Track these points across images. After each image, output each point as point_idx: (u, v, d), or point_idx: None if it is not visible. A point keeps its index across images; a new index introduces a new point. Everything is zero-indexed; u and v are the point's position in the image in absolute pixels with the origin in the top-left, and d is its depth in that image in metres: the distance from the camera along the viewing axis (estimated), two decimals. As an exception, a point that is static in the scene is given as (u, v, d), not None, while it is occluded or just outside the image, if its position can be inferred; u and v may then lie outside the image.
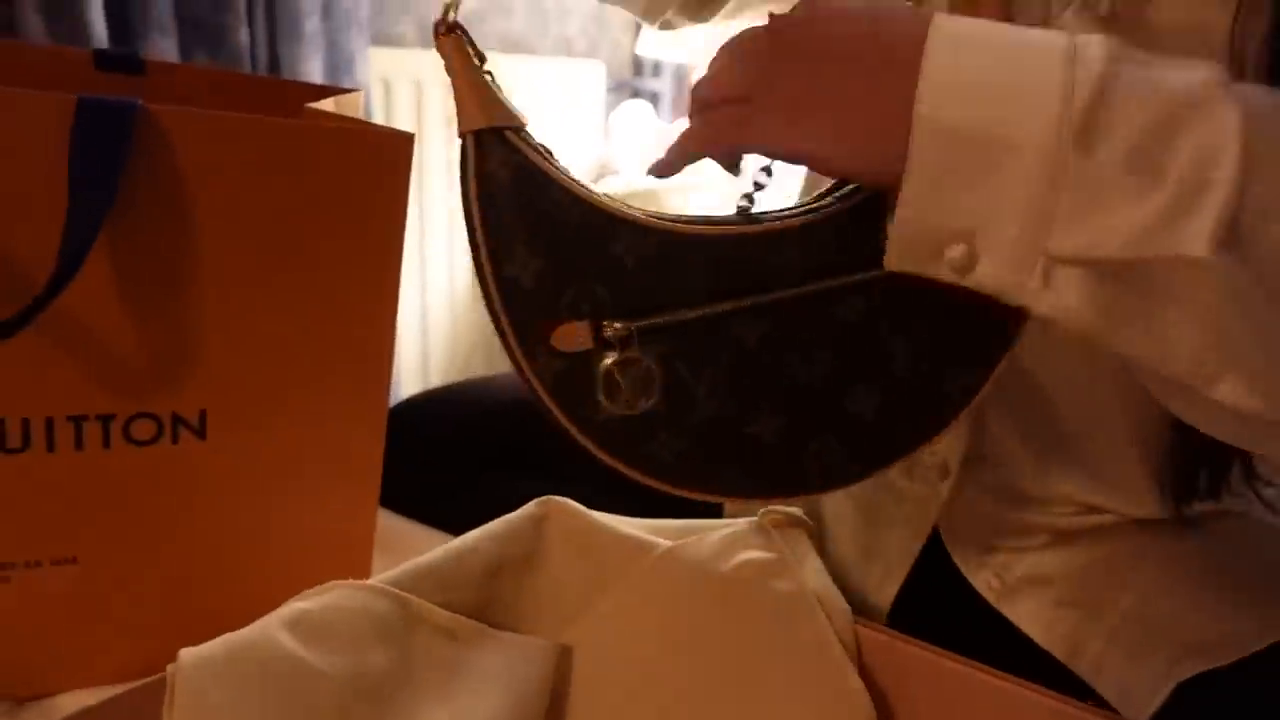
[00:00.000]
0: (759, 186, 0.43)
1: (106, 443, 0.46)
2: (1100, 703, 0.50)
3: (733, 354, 0.39)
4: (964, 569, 0.58)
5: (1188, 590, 0.54)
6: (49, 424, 0.45)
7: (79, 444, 0.46)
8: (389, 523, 0.61)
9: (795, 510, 0.46)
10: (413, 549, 0.59)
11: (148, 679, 0.35)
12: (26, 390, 0.44)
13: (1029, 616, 0.56)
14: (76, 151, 0.40)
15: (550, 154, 0.41)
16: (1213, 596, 0.54)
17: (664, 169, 0.44)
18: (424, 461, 0.68)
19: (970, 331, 0.40)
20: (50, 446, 0.45)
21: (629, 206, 0.40)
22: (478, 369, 1.96)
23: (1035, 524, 0.57)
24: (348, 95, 0.57)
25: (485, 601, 0.44)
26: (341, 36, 1.39)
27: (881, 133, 0.36)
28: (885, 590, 0.59)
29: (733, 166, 0.43)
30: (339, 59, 1.40)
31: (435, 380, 1.84)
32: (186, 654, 0.34)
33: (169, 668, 0.34)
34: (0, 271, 0.41)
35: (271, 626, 0.36)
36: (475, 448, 0.73)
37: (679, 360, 0.39)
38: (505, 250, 0.39)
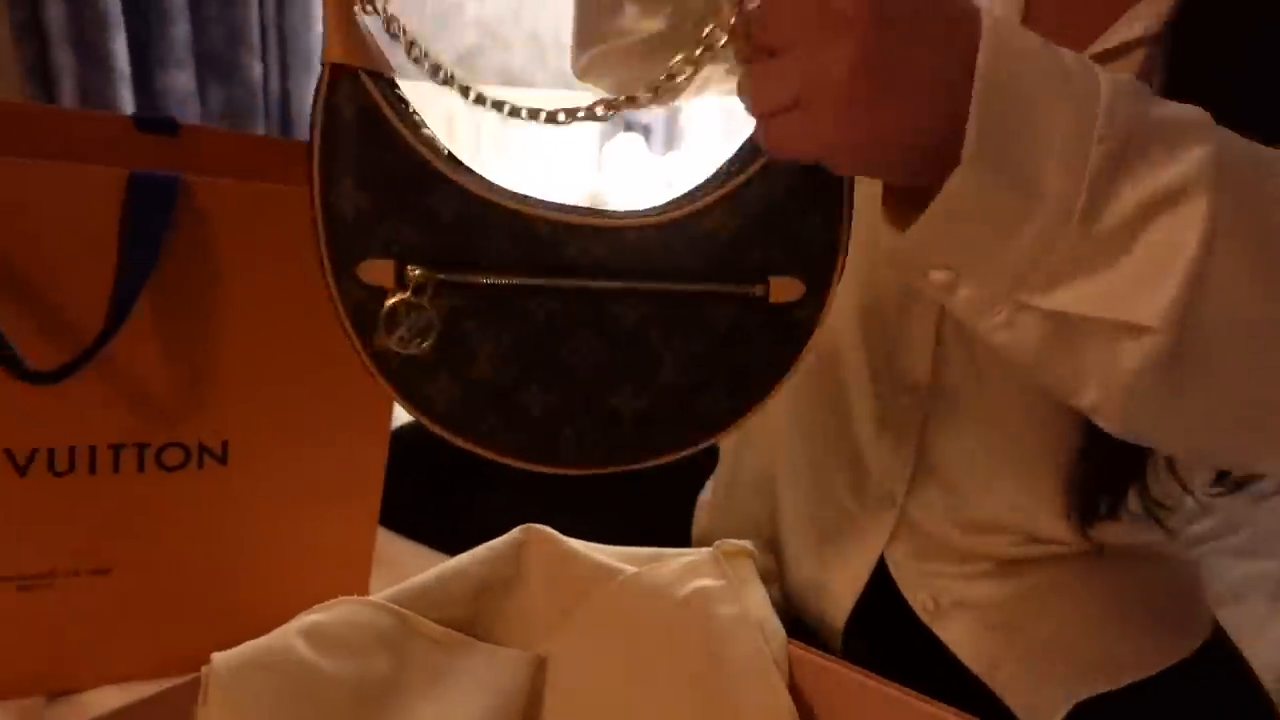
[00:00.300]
0: None
1: (141, 467, 0.52)
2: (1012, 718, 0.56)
3: (518, 326, 0.41)
4: (904, 591, 0.63)
5: (1096, 620, 0.60)
6: (92, 451, 0.50)
7: (116, 468, 0.51)
8: (386, 540, 0.66)
9: (745, 544, 0.52)
10: (406, 564, 0.65)
11: (184, 678, 0.40)
12: (74, 422, 0.49)
13: (957, 637, 0.61)
14: (127, 219, 0.46)
15: (405, 104, 0.41)
16: (1116, 627, 0.60)
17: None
18: (420, 484, 0.73)
19: (742, 362, 0.43)
20: (92, 470, 0.50)
21: (468, 171, 0.42)
22: None
23: (974, 552, 0.62)
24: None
25: (472, 617, 0.49)
26: (349, 70, 1.45)
27: (926, 133, 0.35)
28: (840, 607, 0.64)
29: None
30: (346, 91, 1.45)
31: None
32: (218, 657, 0.39)
33: (203, 669, 0.39)
34: (56, 322, 0.47)
35: (290, 634, 0.42)
36: (467, 472, 0.78)
37: (468, 318, 0.41)
38: (334, 180, 0.40)
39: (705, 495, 0.77)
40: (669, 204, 0.43)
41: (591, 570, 0.51)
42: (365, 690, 0.42)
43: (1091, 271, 0.35)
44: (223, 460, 0.53)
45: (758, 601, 0.48)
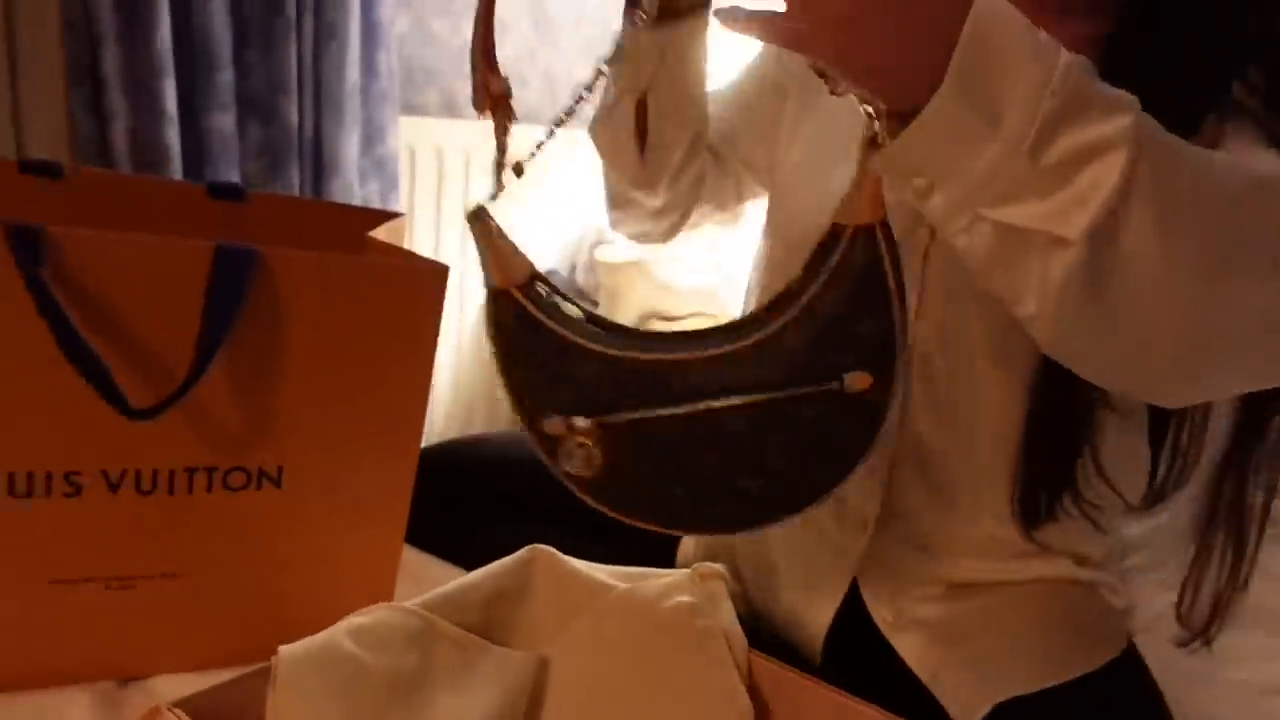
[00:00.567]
0: None
1: (209, 488, 0.60)
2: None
3: (658, 443, 0.53)
4: (870, 607, 0.72)
5: (1024, 636, 0.68)
6: (171, 474, 0.58)
7: (190, 489, 0.59)
8: (409, 554, 0.75)
9: (719, 567, 0.60)
10: (425, 575, 0.73)
11: (254, 667, 0.49)
12: (158, 449, 0.58)
13: (909, 649, 0.69)
14: (212, 284, 0.55)
15: (545, 293, 0.56)
16: (1041, 641, 0.68)
17: (730, 21, 0.48)
18: (442, 505, 0.82)
19: (832, 443, 0.53)
20: (171, 490, 0.59)
21: (605, 328, 0.55)
22: (478, 420, 2.10)
23: (934, 575, 0.71)
24: (395, 221, 0.72)
25: (486, 622, 0.58)
26: (376, 113, 1.53)
27: (922, 71, 0.42)
28: (820, 621, 0.72)
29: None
30: (373, 131, 1.54)
31: (439, 427, 1.96)
32: (284, 650, 0.48)
33: (273, 659, 0.48)
34: (150, 368, 0.55)
35: (339, 633, 0.50)
36: (484, 495, 0.86)
37: (622, 445, 0.53)
38: (509, 367, 0.55)
39: None
40: (750, 326, 0.54)
41: (588, 585, 0.59)
42: (398, 681, 0.51)
43: (1033, 195, 0.42)
44: (277, 483, 0.62)
45: (726, 616, 0.56)
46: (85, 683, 0.61)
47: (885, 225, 0.51)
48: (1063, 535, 0.68)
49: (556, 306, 0.56)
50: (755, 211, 0.88)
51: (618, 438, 0.53)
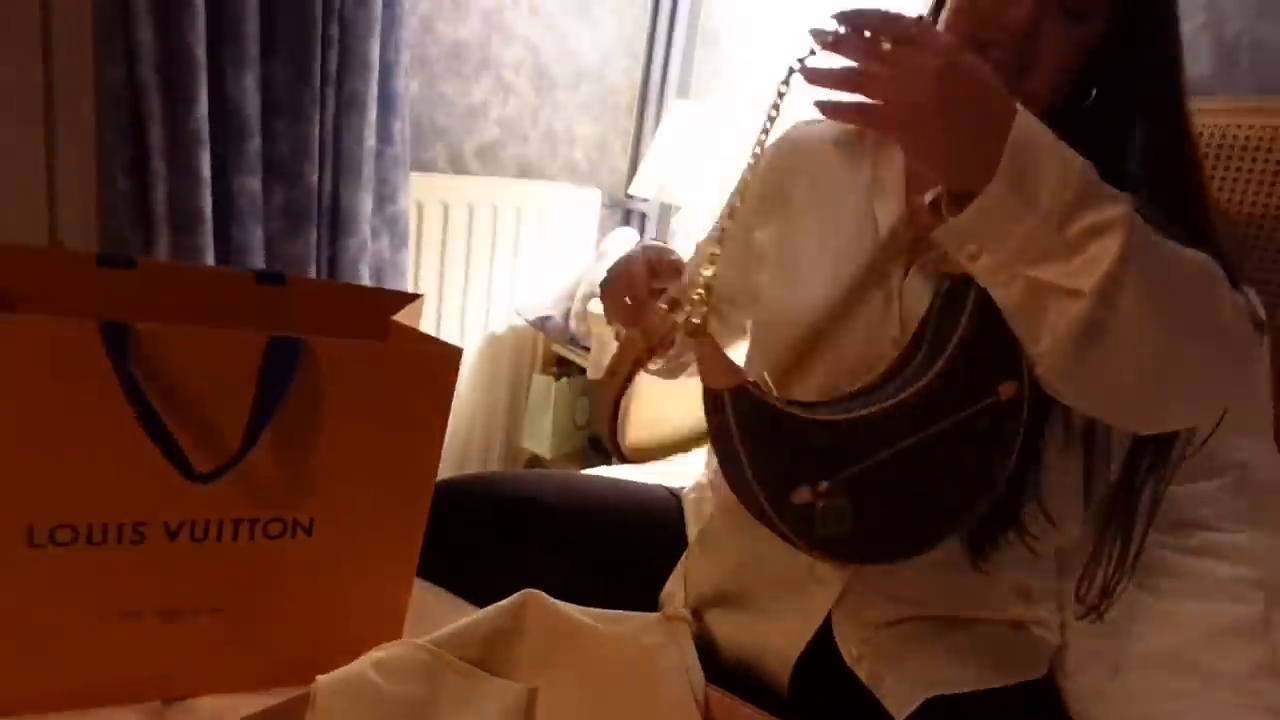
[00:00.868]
0: None
1: (251, 536, 0.69)
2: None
3: (886, 484, 0.62)
4: (837, 638, 0.80)
5: (954, 655, 0.78)
6: (220, 524, 0.68)
7: (235, 536, 0.68)
8: (419, 587, 0.83)
9: (684, 611, 0.70)
10: (431, 607, 0.81)
11: (292, 692, 0.58)
12: (211, 504, 0.67)
13: (866, 672, 0.78)
14: (265, 370, 0.64)
15: (759, 389, 0.63)
16: (972, 660, 0.78)
17: (833, 112, 0.63)
18: (451, 540, 0.90)
19: (1002, 440, 0.64)
20: (219, 538, 0.68)
21: (815, 411, 0.63)
22: (472, 467, 2.18)
23: (899, 618, 0.80)
24: (414, 303, 0.82)
25: (485, 656, 0.67)
26: (389, 175, 1.63)
27: (978, 167, 0.57)
28: (796, 646, 0.80)
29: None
30: (385, 192, 1.64)
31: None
32: (322, 679, 0.57)
33: (312, 686, 0.57)
34: (210, 439, 0.65)
35: (365, 664, 0.60)
36: (483, 528, 0.92)
37: (861, 492, 0.61)
38: (757, 454, 0.61)
39: (688, 558, 0.91)
40: (920, 369, 0.65)
41: (573, 626, 0.69)
42: (412, 707, 0.60)
43: (1058, 258, 0.57)
44: (309, 532, 0.71)
45: (688, 655, 0.66)
46: (135, 703, 0.70)
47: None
48: (1009, 566, 0.79)
49: (772, 393, 0.64)
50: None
51: (856, 489, 0.61)
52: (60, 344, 0.59)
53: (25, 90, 1.39)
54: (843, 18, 0.61)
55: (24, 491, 0.61)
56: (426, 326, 1.14)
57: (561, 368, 2.10)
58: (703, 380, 0.63)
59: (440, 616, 0.70)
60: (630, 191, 1.99)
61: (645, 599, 0.79)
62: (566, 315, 2.02)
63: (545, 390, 2.07)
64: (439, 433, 0.74)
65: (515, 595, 0.70)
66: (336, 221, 1.54)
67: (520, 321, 2.13)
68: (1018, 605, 0.83)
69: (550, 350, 2.10)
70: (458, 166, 2.02)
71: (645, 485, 1.02)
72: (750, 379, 0.62)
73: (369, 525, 0.73)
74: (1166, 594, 0.99)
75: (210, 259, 1.39)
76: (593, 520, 0.91)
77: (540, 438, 2.09)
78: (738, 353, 0.96)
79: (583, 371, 1.95)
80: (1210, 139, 1.21)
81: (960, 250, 0.60)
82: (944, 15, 0.76)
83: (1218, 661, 0.93)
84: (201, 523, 0.67)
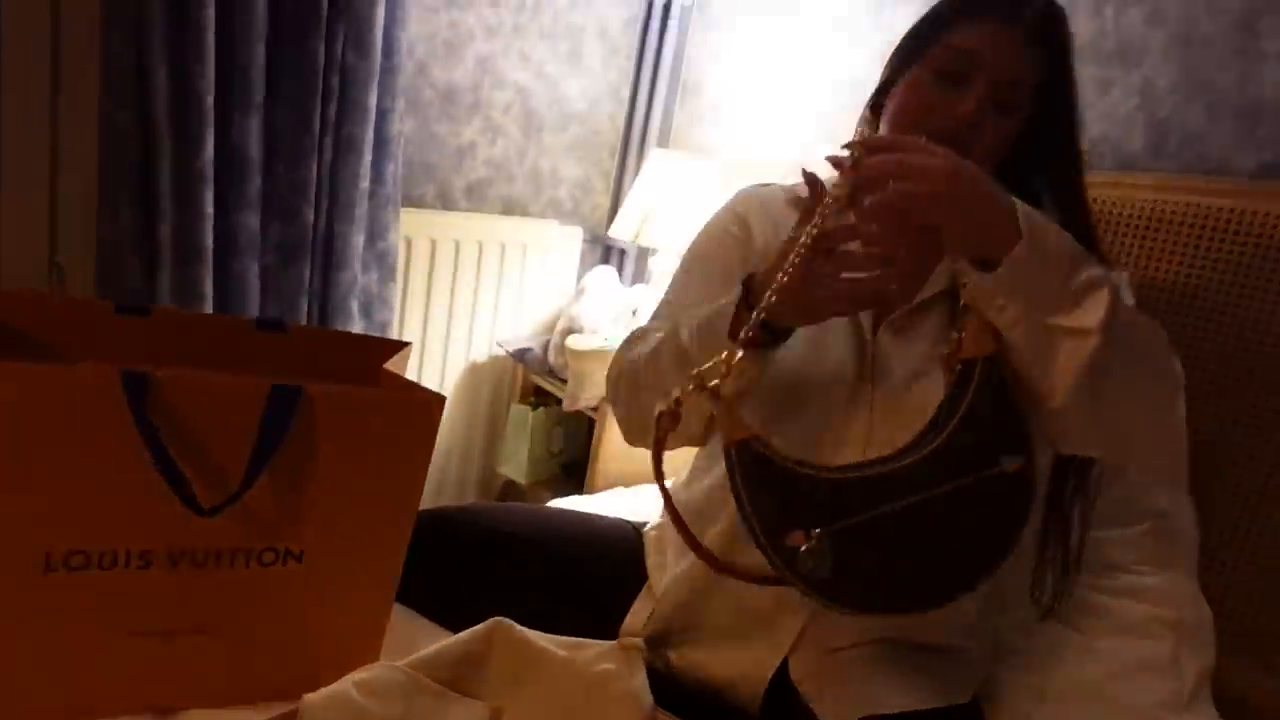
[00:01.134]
0: None
1: (247, 564, 0.74)
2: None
3: (876, 539, 0.67)
4: (790, 660, 0.86)
5: (896, 678, 0.84)
6: (218, 553, 0.74)
7: (231, 564, 0.74)
8: (398, 612, 0.89)
9: (638, 641, 0.76)
10: (407, 631, 0.86)
11: (282, 709, 0.63)
12: (211, 535, 0.72)
13: (811, 693, 0.84)
14: (266, 414, 0.70)
15: (768, 444, 0.70)
16: (908, 684, 0.83)
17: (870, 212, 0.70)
18: (430, 568, 0.95)
19: (1009, 509, 0.69)
20: (218, 565, 0.74)
21: (812, 466, 0.69)
22: (450, 490, 2.23)
23: (851, 643, 0.85)
24: (402, 351, 0.88)
25: (456, 679, 0.73)
26: (380, 213, 1.70)
27: (1000, 238, 0.68)
28: (763, 674, 0.86)
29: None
30: (376, 229, 1.70)
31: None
32: (309, 697, 0.63)
33: (300, 704, 0.63)
34: (213, 476, 0.71)
35: (348, 684, 0.65)
36: (467, 561, 0.96)
37: (847, 542, 0.67)
38: (754, 498, 0.68)
39: (659, 587, 0.95)
40: (925, 439, 0.70)
41: (536, 651, 0.75)
42: (389, 723, 0.66)
43: (1069, 306, 0.68)
44: (300, 560, 0.76)
45: (640, 681, 0.72)
46: (129, 715, 0.74)
47: (998, 355, 0.71)
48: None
49: (773, 446, 0.71)
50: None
51: (844, 539, 0.67)
52: (84, 391, 0.64)
53: (33, 124, 1.45)
54: (857, 145, 0.71)
55: (44, 521, 0.67)
56: (412, 356, 1.20)
57: (539, 398, 2.16)
58: (720, 433, 0.71)
59: (415, 640, 0.75)
60: (610, 233, 2.07)
61: (607, 628, 0.85)
62: (545, 348, 2.08)
63: (523, 419, 2.12)
64: (422, 471, 0.80)
65: (485, 622, 0.76)
66: (329, 257, 1.60)
67: (501, 352, 2.19)
68: (958, 634, 0.90)
69: (529, 380, 2.16)
70: (447, 203, 2.09)
71: (611, 520, 1.08)
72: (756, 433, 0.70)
73: (354, 555, 0.79)
74: (1089, 631, 1.07)
75: (209, 289, 1.44)
76: (562, 553, 0.97)
77: (516, 464, 2.15)
78: None
79: (559, 402, 2.01)
80: (1140, 211, 1.30)
81: (989, 305, 0.70)
82: (887, 112, 0.84)
83: (1130, 694, 1.01)
84: (202, 551, 0.73)
